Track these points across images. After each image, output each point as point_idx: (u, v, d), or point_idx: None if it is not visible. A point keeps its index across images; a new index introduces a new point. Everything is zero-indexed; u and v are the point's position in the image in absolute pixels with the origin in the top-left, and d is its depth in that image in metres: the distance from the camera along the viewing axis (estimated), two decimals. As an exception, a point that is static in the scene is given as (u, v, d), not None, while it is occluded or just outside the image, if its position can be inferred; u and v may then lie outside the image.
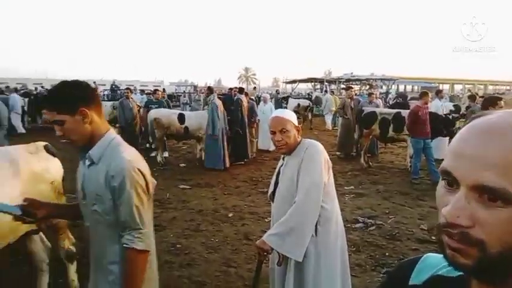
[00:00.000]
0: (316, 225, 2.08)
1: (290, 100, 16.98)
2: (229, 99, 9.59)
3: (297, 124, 2.23)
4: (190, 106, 16.63)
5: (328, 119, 15.14)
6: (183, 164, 8.69)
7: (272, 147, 10.31)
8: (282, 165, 2.29)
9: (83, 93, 1.54)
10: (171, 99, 18.25)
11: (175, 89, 30.33)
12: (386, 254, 4.11)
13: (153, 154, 8.95)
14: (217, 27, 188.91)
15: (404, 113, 7.69)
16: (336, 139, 10.80)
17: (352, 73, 31.46)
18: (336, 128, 12.52)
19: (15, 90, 16.43)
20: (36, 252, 3.01)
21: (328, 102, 15.40)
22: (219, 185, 6.89)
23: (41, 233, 2.92)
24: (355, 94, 14.88)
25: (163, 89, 18.91)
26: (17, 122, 12.95)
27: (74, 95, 1.51)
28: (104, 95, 21.42)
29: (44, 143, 2.95)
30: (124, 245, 1.53)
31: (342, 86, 26.89)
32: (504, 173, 0.48)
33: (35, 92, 18.21)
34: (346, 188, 6.58)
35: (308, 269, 2.10)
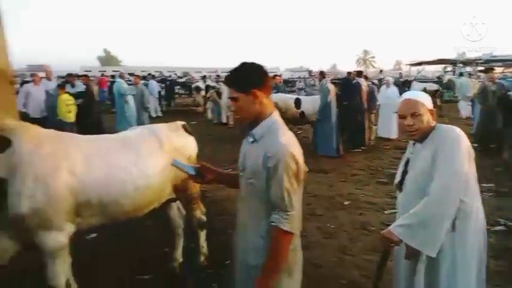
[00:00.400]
0: (454, 220, 1.85)
1: (414, 84, 15.43)
2: (347, 83, 9.22)
3: (430, 107, 2.00)
4: (305, 91, 16.65)
5: (463, 106, 13.32)
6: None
7: (394, 135, 9.62)
8: (411, 153, 2.09)
9: (257, 77, 1.71)
10: (287, 85, 18.56)
11: (291, 75, 30.66)
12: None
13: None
14: (331, 10, 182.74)
15: None
16: (471, 129, 9.47)
17: (492, 53, 26.84)
18: (472, 116, 10.94)
19: (153, 77, 18.86)
20: (173, 218, 3.44)
21: (463, 86, 13.52)
22: (334, 171, 6.77)
23: (178, 202, 3.32)
24: (497, 78, 12.74)
25: (280, 75, 19.33)
26: (154, 105, 14.89)
27: (249, 78, 1.70)
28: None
29: (182, 123, 3.31)
30: (271, 223, 1.64)
31: (480, 68, 23.23)
32: None
33: (169, 79, 20.56)
34: (484, 184, 5.73)
35: (442, 267, 1.88)
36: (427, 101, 2.00)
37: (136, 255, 3.53)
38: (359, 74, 9.46)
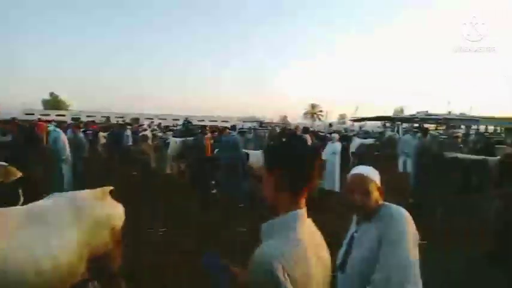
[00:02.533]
0: None
1: (354, 139, 16.25)
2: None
3: (379, 184, 1.94)
4: (254, 143, 16.72)
5: (402, 161, 14.09)
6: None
7: (337, 188, 9.81)
8: (356, 231, 1.98)
9: None
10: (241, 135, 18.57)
11: (242, 125, 31.14)
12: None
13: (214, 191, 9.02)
14: (284, 60, 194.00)
15: (492, 161, 6.78)
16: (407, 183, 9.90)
17: (427, 111, 29.57)
18: (409, 172, 11.53)
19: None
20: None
21: (404, 143, 14.33)
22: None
23: (95, 282, 2.88)
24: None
25: (231, 126, 19.42)
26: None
27: None
28: (176, 130, 22.67)
29: (110, 188, 2.97)
30: None
31: (416, 125, 25.30)
32: None
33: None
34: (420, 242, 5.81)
35: None
36: (376, 177, 1.95)
37: None
38: (305, 130, 9.70)
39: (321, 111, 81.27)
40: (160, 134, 14.56)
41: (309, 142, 8.90)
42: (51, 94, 72.54)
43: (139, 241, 5.49)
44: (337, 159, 10.16)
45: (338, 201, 8.95)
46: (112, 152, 15.17)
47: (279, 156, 1.36)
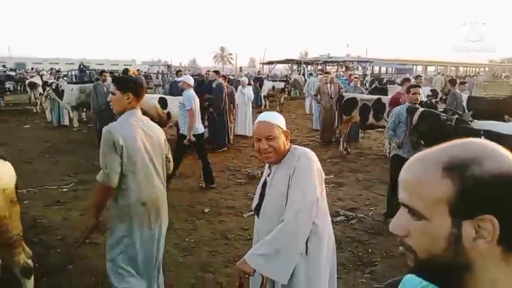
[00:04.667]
0: (306, 243, 1.85)
1: (265, 82, 16.57)
2: (206, 84, 9.15)
3: (285, 128, 1.97)
4: (163, 88, 15.89)
5: (308, 103, 14.92)
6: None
7: (250, 133, 10.07)
8: (268, 175, 2.04)
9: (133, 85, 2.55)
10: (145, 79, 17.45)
11: (148, 69, 29.16)
12: (370, 250, 3.99)
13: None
14: (193, 3, 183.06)
15: (385, 99, 7.55)
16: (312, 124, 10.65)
17: (329, 54, 31.27)
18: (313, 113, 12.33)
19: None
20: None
21: (310, 85, 15.06)
22: (194, 175, 6.57)
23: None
24: (336, 76, 14.68)
25: (138, 69, 18.07)
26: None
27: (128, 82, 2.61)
28: (71, 75, 20.27)
29: None
30: None
31: (319, 67, 26.70)
32: (411, 193, 0.64)
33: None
34: (326, 177, 6.42)
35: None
36: (281, 123, 1.96)
37: None
38: (216, 73, 9.42)
39: (230, 54, 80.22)
40: (52, 80, 12.72)
41: (225, 87, 8.70)
42: None
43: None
44: (249, 106, 10.32)
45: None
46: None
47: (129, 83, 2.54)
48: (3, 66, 25.19)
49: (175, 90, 8.86)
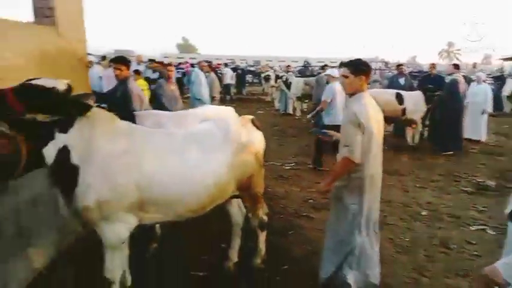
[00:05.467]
0: None
1: (509, 81, 13.49)
2: (438, 79, 8.32)
3: None
4: (380, 84, 15.45)
5: None
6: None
7: (483, 137, 8.59)
8: None
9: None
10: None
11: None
12: None
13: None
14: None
15: None
16: None
17: None
18: None
19: (225, 65, 19.17)
20: (233, 216, 3.28)
21: None
22: (410, 174, 6.13)
23: (239, 200, 3.14)
24: None
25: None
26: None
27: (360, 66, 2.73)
28: (296, 71, 22.54)
29: (251, 117, 3.11)
30: None
31: None
32: None
33: (241, 67, 20.80)
34: None
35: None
36: None
37: (194, 251, 3.43)
38: (456, 67, 8.32)
39: (459, 49, 69.87)
40: (282, 74, 14.58)
41: (462, 83, 7.68)
42: (183, 38, 79.14)
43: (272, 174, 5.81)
44: (487, 105, 8.69)
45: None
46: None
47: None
48: (246, 62, 30.50)
49: (395, 85, 8.51)
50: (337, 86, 5.79)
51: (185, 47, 75.60)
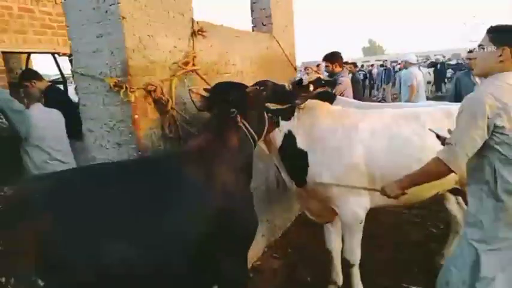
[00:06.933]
0: None
1: None
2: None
3: None
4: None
5: None
6: None
7: None
8: None
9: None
10: None
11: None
12: None
13: None
14: None
15: None
16: None
17: None
18: None
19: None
20: (451, 211, 2.96)
21: None
22: None
23: (458, 197, 2.79)
24: None
25: None
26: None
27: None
28: None
29: None
30: None
31: None
32: None
33: (440, 62, 18.48)
34: None
35: None
36: None
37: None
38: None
39: None
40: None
41: None
42: (370, 41, 76.96)
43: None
44: None
45: None
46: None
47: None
48: (443, 56, 27.02)
49: None
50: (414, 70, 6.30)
51: (371, 49, 73.42)
